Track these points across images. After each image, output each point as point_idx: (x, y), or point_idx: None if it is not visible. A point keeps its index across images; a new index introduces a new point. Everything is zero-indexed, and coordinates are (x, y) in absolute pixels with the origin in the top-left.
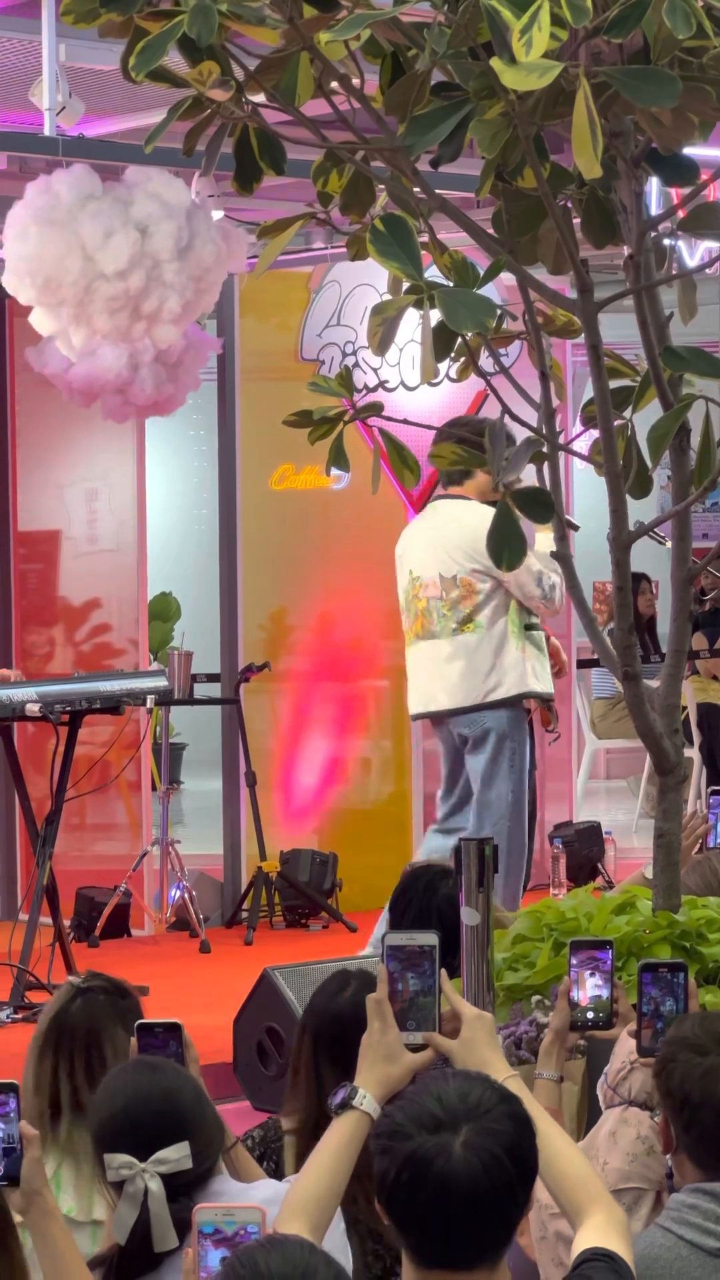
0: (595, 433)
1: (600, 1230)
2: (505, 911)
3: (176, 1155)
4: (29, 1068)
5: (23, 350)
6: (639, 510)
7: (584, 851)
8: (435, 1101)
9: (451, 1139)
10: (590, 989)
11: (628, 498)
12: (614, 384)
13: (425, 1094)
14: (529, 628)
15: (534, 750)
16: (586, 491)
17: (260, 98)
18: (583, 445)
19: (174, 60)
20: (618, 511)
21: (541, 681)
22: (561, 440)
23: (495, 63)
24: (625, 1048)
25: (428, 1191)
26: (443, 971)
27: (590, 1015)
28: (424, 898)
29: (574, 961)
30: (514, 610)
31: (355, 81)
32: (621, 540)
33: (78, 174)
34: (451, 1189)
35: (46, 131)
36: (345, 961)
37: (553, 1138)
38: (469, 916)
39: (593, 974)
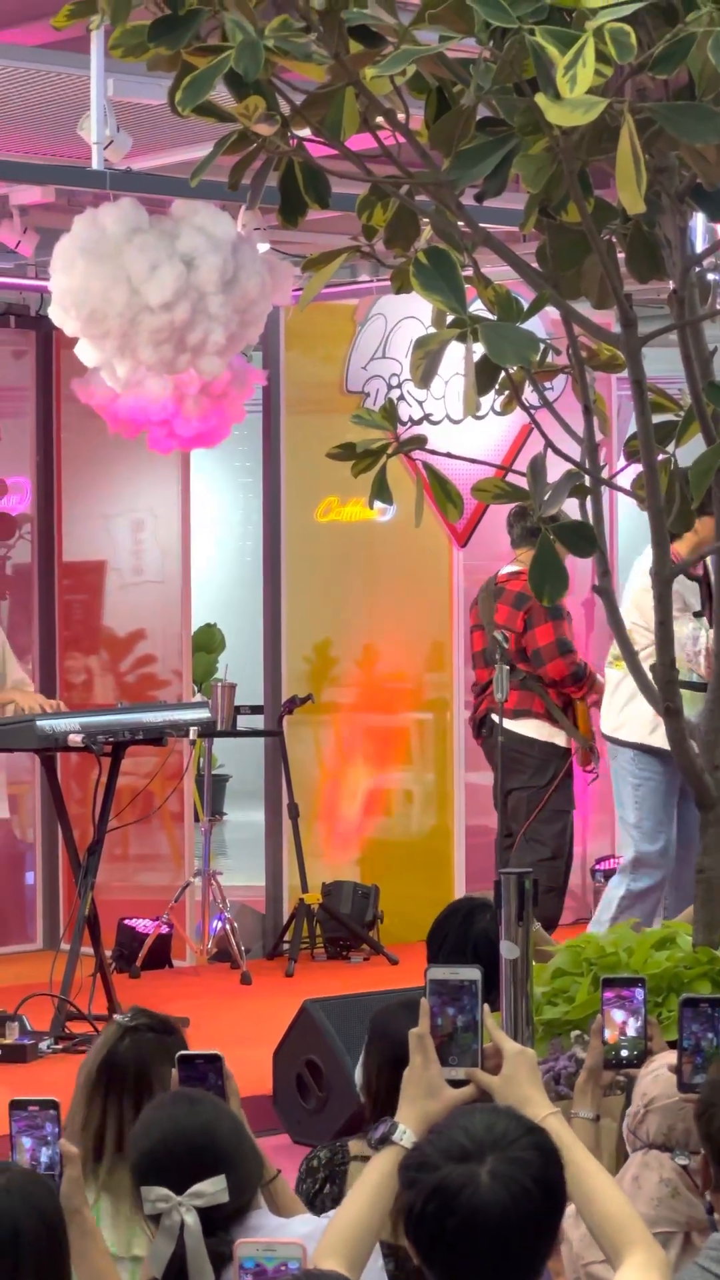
0: (638, 467)
1: (641, 1270)
2: (550, 942)
3: (213, 1189)
4: (76, 1107)
5: (69, 381)
6: None
7: None
8: (462, 1133)
9: (478, 1169)
10: (623, 1026)
11: (669, 532)
12: (657, 419)
13: (453, 1126)
14: (688, 685)
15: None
16: (629, 526)
17: (306, 132)
18: (626, 479)
19: (221, 95)
20: (660, 546)
21: (659, 738)
22: (605, 474)
23: (540, 98)
24: (640, 1090)
25: (455, 1222)
26: (485, 1006)
27: (624, 1052)
28: (461, 930)
29: (606, 998)
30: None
31: (400, 116)
32: (663, 574)
33: (124, 207)
34: (479, 1219)
35: (94, 165)
36: (391, 994)
37: (593, 1176)
38: (508, 950)
39: (625, 1011)
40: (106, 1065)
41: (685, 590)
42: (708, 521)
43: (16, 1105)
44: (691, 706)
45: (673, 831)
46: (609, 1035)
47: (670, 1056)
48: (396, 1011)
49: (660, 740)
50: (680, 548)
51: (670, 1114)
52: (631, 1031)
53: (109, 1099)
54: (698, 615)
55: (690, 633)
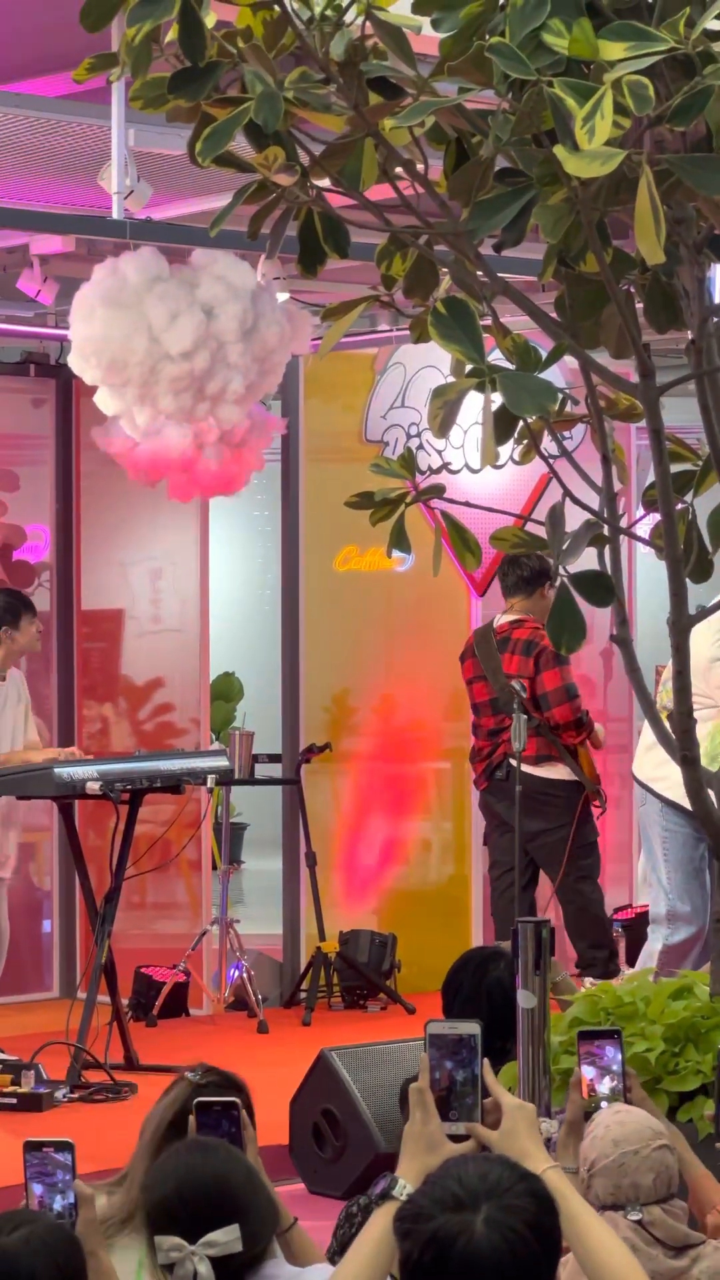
0: (657, 516)
1: None
2: (575, 991)
3: (226, 1238)
4: (139, 1162)
5: (88, 430)
6: (700, 594)
7: (643, 935)
8: (456, 1182)
9: (473, 1218)
10: (602, 1079)
11: (688, 581)
12: (676, 468)
13: (446, 1176)
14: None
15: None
16: (647, 575)
17: (325, 182)
18: (644, 529)
19: (240, 145)
20: (678, 595)
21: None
22: (623, 524)
23: (559, 150)
24: (581, 1155)
25: (451, 1271)
26: (485, 1061)
27: (605, 1105)
28: (474, 980)
29: (583, 1052)
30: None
31: (419, 167)
32: (681, 624)
33: (145, 256)
34: (475, 1267)
35: (114, 215)
36: (404, 1044)
37: (592, 1228)
38: (525, 999)
39: (595, 1067)
40: (178, 1121)
41: None
42: None
43: (31, 1146)
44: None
45: (706, 880)
46: (592, 1088)
47: (605, 1114)
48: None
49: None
50: None
51: (613, 1173)
52: (601, 1089)
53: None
54: None
55: None
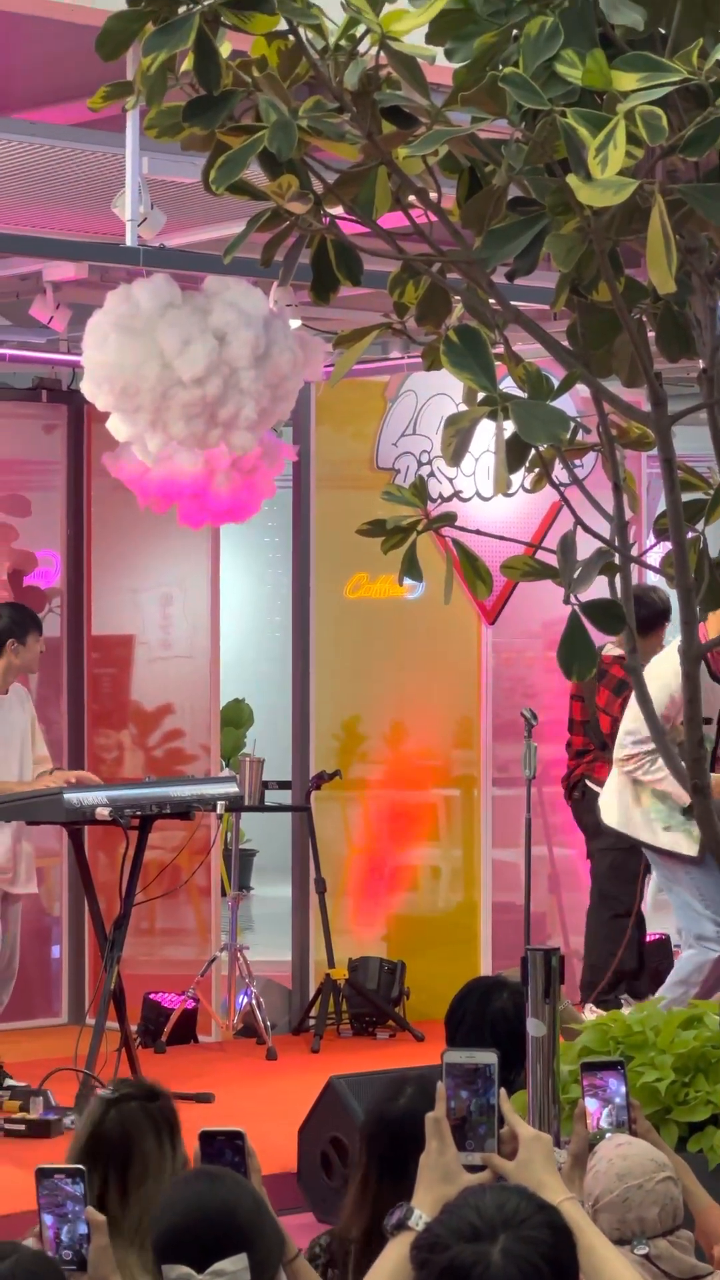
0: (668, 545)
1: None
2: (577, 1020)
3: (234, 1267)
4: None
5: (99, 456)
6: None
7: (653, 964)
8: (473, 1212)
9: (489, 1248)
10: (605, 1111)
11: (698, 610)
12: (687, 497)
13: (463, 1205)
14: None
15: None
16: None
17: (338, 210)
18: (655, 557)
19: (254, 173)
20: (688, 624)
21: (632, 827)
22: (634, 552)
23: (571, 179)
24: (585, 1191)
25: None
26: (502, 1091)
27: (608, 1137)
28: (478, 1010)
29: (586, 1084)
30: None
31: (432, 195)
32: (692, 652)
33: (157, 283)
34: None
35: (128, 242)
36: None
37: (610, 1262)
38: (534, 1028)
39: (604, 1098)
40: (92, 1140)
41: (708, 691)
42: None
43: (42, 1174)
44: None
45: None
46: (595, 1119)
47: (607, 1148)
48: (383, 1090)
49: (646, 836)
50: (710, 626)
51: (617, 1208)
52: (603, 1122)
53: (94, 1173)
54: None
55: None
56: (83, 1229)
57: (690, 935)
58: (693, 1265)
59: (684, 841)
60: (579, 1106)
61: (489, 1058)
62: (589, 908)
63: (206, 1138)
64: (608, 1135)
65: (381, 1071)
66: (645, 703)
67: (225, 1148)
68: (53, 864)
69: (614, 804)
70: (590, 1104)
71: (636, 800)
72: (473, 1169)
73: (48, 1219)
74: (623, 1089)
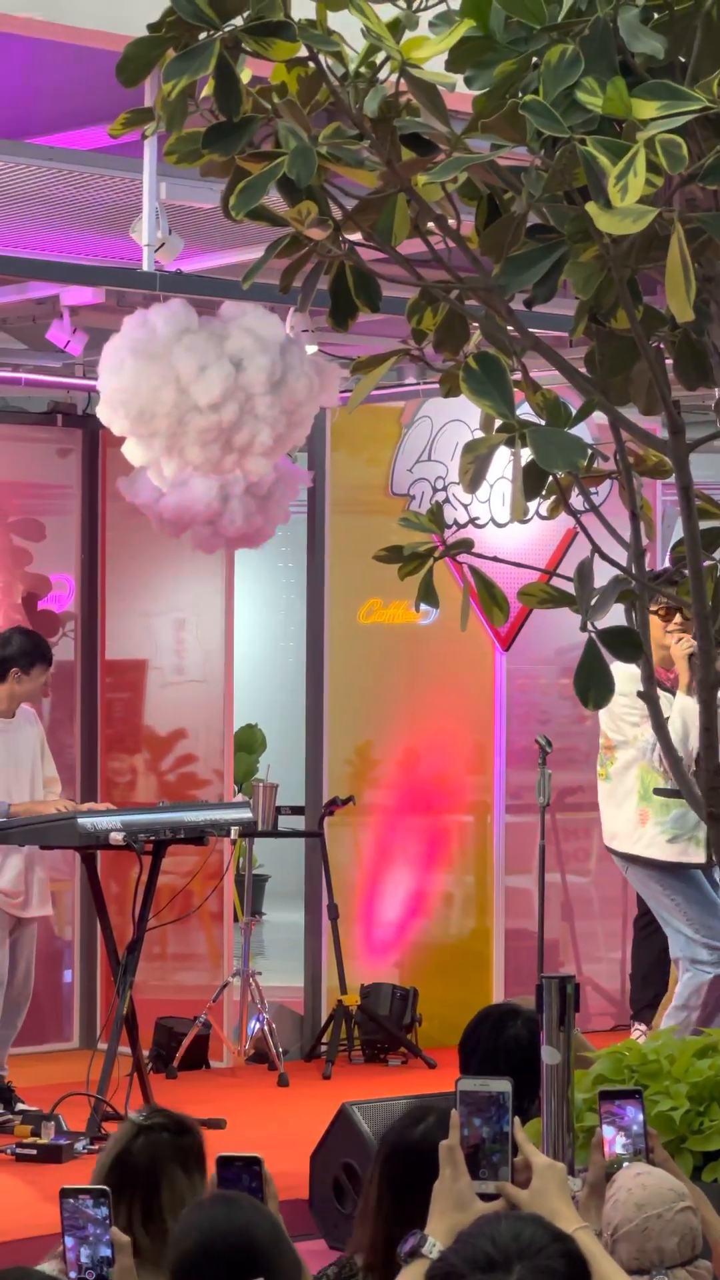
0: (685, 573)
1: None
2: (589, 1048)
3: None
4: None
5: (114, 480)
6: None
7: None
8: (488, 1242)
9: (505, 1278)
10: (620, 1142)
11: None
12: (704, 524)
13: (479, 1235)
14: (662, 793)
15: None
16: None
17: (357, 236)
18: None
19: (273, 199)
20: (706, 652)
21: (640, 846)
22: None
23: (591, 207)
24: (604, 1220)
25: None
26: (515, 1119)
27: (626, 1166)
28: (491, 1038)
29: (604, 1112)
30: (642, 769)
31: (451, 222)
32: (709, 680)
33: (174, 308)
34: None
35: (145, 267)
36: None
37: None
38: (549, 1056)
39: (614, 1128)
40: (118, 1164)
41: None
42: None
43: (67, 1194)
44: (665, 812)
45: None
46: (612, 1149)
47: (626, 1177)
48: (404, 1117)
49: (652, 853)
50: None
51: (636, 1238)
52: (619, 1149)
53: (119, 1199)
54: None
55: (650, 741)
56: (105, 1251)
57: (685, 960)
58: None
59: (692, 850)
60: (596, 1135)
61: (503, 1085)
62: (636, 923)
63: (224, 1163)
64: (625, 1164)
65: (394, 1099)
66: (661, 729)
67: (243, 1173)
68: (65, 888)
69: (621, 830)
70: (608, 1132)
71: (641, 821)
72: (486, 1197)
73: (70, 1241)
74: (640, 1117)
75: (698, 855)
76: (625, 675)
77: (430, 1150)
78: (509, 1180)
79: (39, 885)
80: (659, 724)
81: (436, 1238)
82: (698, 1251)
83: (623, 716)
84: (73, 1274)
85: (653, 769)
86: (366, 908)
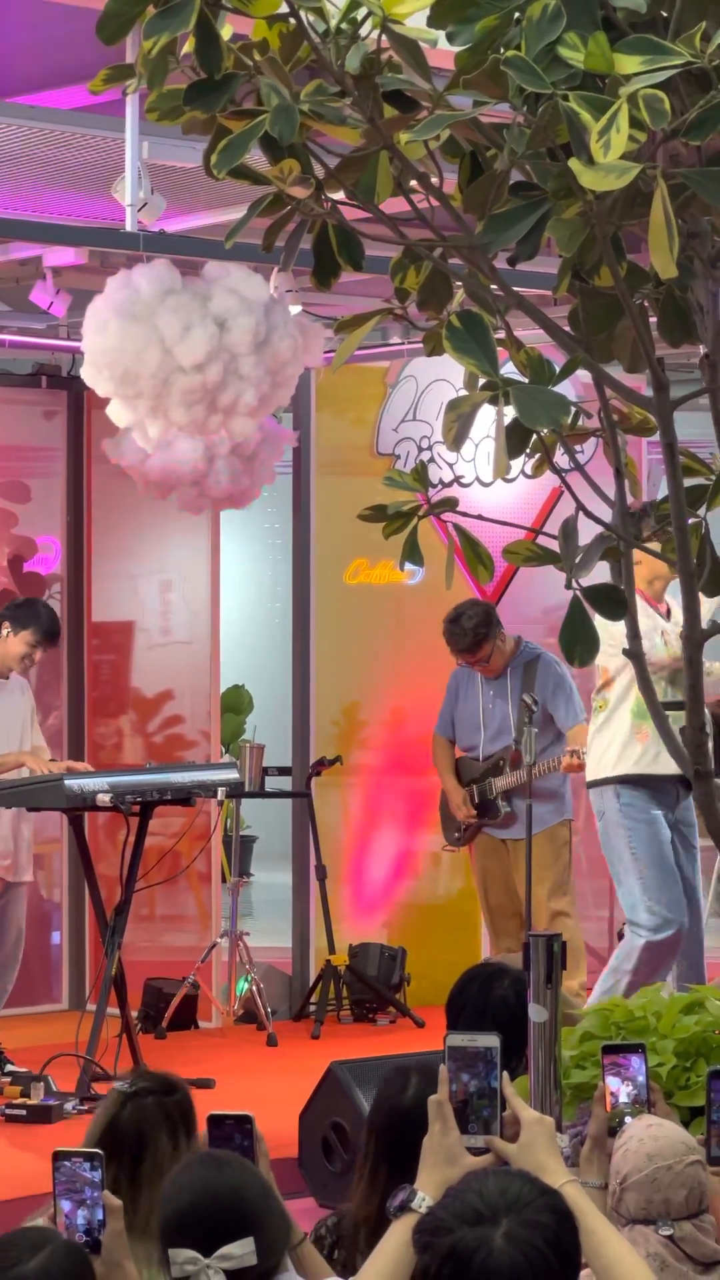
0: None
1: None
2: (575, 1008)
3: (241, 1251)
4: None
5: (99, 442)
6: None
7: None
8: (476, 1196)
9: (492, 1232)
10: (625, 1093)
11: (700, 595)
12: (688, 482)
13: (467, 1190)
14: (669, 705)
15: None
16: None
17: (340, 195)
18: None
19: (255, 158)
20: (690, 609)
21: (643, 764)
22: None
23: (574, 163)
24: (613, 1168)
25: None
26: (504, 1074)
27: (628, 1120)
28: (479, 997)
29: (604, 1065)
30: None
31: (434, 180)
32: (694, 637)
33: (158, 268)
34: None
35: (128, 227)
36: (414, 1057)
37: (609, 1243)
38: (536, 1013)
39: (619, 1079)
40: (108, 1133)
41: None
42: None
43: (60, 1156)
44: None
45: (678, 876)
46: (614, 1101)
47: (638, 1127)
48: (390, 1082)
49: (639, 767)
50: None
51: (645, 1188)
52: (624, 1099)
53: (108, 1167)
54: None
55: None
56: (99, 1214)
57: (628, 919)
58: (714, 1249)
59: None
60: (599, 1089)
61: (491, 1041)
62: None
63: (215, 1121)
64: (628, 1118)
65: (382, 1058)
66: (646, 686)
67: (234, 1132)
68: (53, 850)
69: (610, 754)
70: (612, 1084)
71: (639, 739)
72: (475, 1151)
73: (66, 1204)
74: (644, 1069)
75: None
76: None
77: (420, 1110)
78: (498, 1135)
79: (27, 850)
80: (644, 682)
81: (426, 1192)
82: (704, 1206)
83: (610, 643)
84: (64, 1235)
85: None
86: (354, 868)
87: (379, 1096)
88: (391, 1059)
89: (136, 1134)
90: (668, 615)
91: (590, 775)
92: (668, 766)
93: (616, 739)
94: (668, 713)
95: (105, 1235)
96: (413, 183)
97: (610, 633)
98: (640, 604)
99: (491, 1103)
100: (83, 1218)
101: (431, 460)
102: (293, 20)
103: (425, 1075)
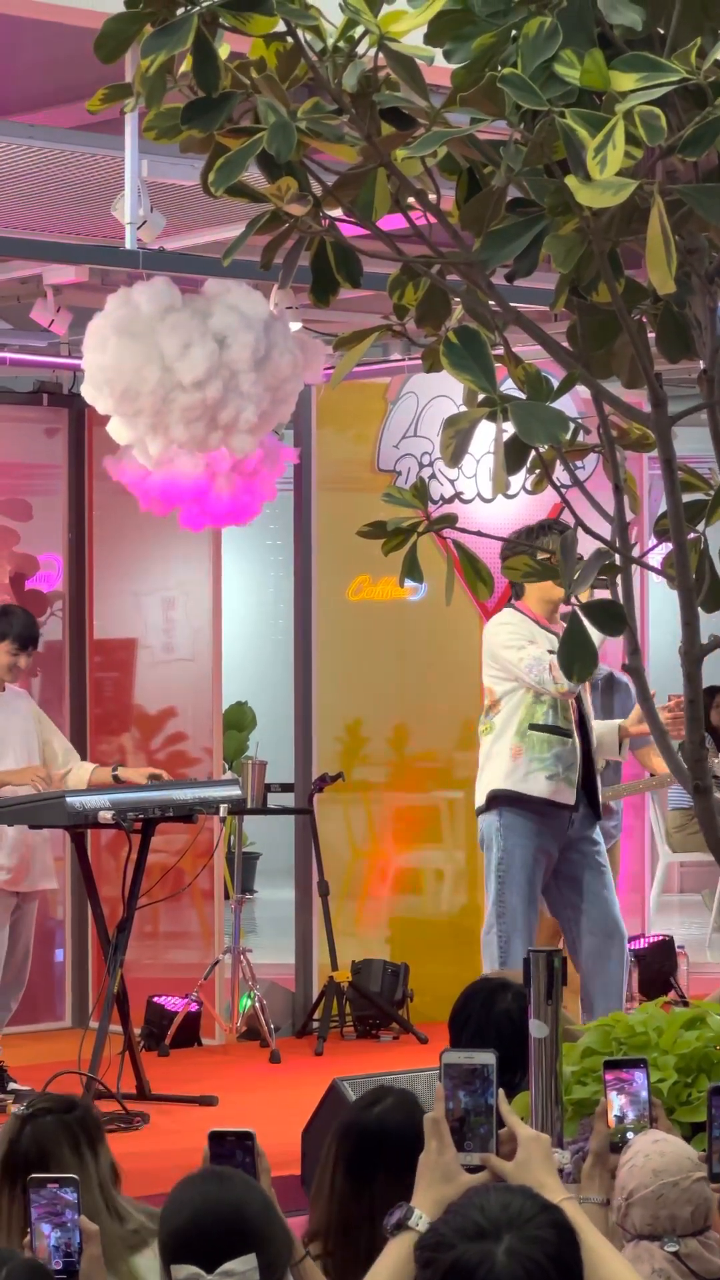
0: (668, 545)
1: None
2: (575, 1025)
3: (243, 1267)
4: None
5: (101, 459)
6: (712, 623)
7: (656, 965)
8: (478, 1212)
9: (494, 1247)
10: (627, 1108)
11: (700, 611)
12: (687, 497)
13: (468, 1205)
14: (539, 728)
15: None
16: (660, 604)
17: (338, 212)
18: (656, 558)
19: (253, 175)
20: (689, 624)
21: (513, 781)
22: (635, 553)
23: (570, 180)
24: (618, 1183)
25: None
26: (500, 1091)
27: (630, 1136)
28: (482, 1013)
29: (606, 1081)
30: (524, 710)
31: (431, 197)
32: (693, 653)
33: (157, 286)
34: None
35: (127, 245)
36: (417, 1074)
37: (609, 1262)
38: (537, 1029)
39: (622, 1095)
40: (9, 1158)
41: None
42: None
43: (35, 1183)
44: (545, 749)
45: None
46: (616, 1117)
47: (644, 1142)
48: (362, 1097)
49: (510, 783)
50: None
51: (651, 1204)
52: (629, 1115)
53: (15, 1191)
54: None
55: (535, 658)
56: (76, 1238)
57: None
58: (718, 1266)
59: (564, 790)
60: (601, 1104)
61: (487, 1058)
62: None
63: (216, 1138)
64: (630, 1133)
65: (385, 1074)
66: (646, 701)
67: (235, 1148)
68: (56, 867)
69: (495, 774)
70: (613, 1098)
71: (514, 756)
72: (472, 1169)
73: (46, 1228)
74: (646, 1084)
75: (569, 797)
76: (496, 623)
77: (386, 1131)
78: (494, 1152)
79: (39, 858)
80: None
81: (423, 1210)
82: (710, 1223)
83: (495, 659)
84: (43, 1260)
85: (540, 691)
86: (357, 884)
87: (347, 1108)
88: (394, 1075)
89: (38, 1153)
90: None
91: (478, 802)
92: (537, 787)
93: (502, 762)
94: (542, 736)
95: (83, 1261)
96: (410, 200)
97: (498, 658)
98: (538, 629)
99: (488, 1120)
100: (63, 1240)
101: (433, 476)
102: (290, 39)
103: (399, 1099)
